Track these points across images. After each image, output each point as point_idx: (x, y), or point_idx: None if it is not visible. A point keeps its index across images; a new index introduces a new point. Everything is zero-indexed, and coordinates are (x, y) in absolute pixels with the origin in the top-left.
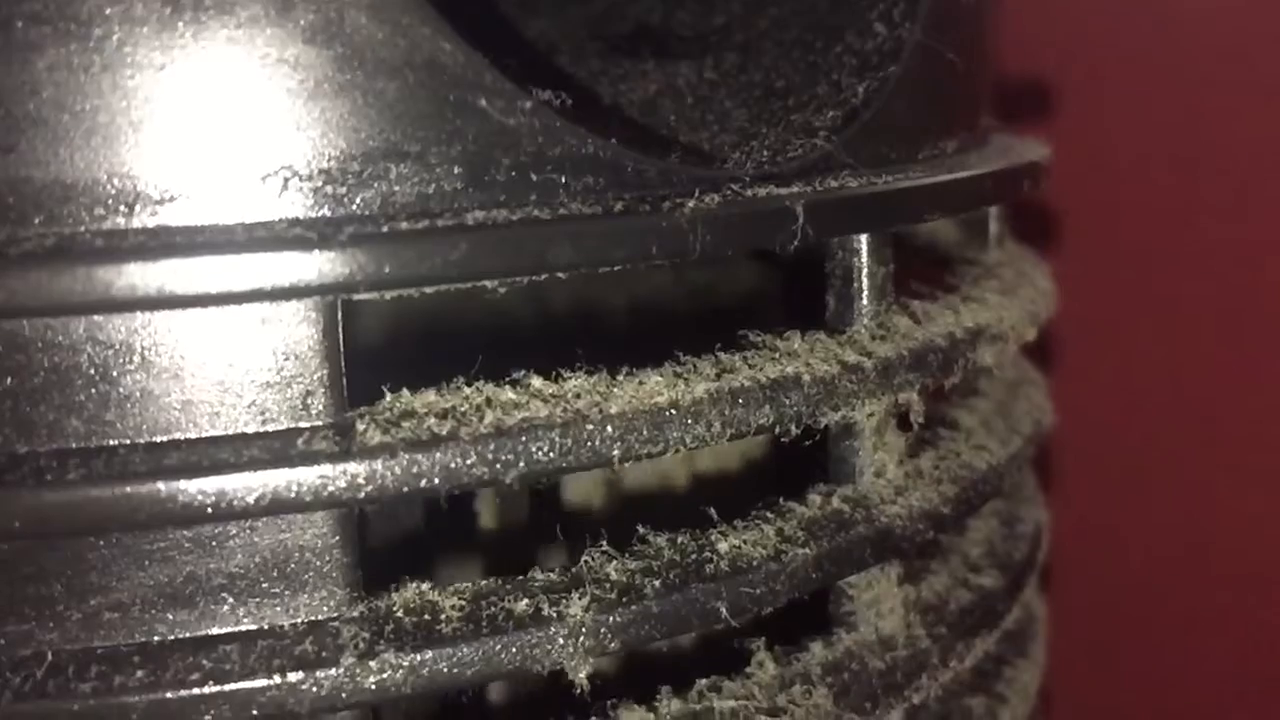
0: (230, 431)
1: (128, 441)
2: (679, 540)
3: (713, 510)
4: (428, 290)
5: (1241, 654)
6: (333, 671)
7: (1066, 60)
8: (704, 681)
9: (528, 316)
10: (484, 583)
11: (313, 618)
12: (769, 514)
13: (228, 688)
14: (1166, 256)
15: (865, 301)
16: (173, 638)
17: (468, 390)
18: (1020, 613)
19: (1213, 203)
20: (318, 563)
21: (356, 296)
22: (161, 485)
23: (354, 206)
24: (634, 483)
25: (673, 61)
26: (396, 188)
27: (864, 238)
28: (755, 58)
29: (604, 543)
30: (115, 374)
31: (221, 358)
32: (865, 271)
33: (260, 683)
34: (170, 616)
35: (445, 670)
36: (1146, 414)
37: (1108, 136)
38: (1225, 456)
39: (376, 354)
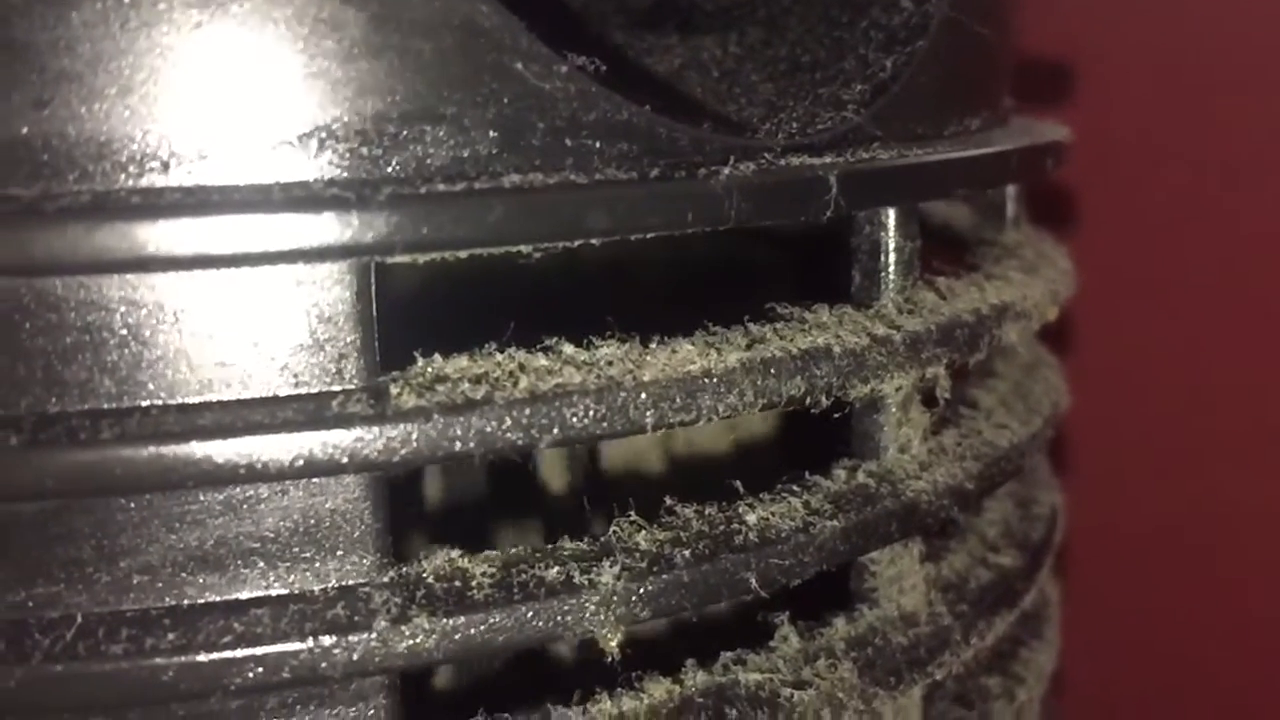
0: (263, 394)
1: (160, 402)
2: (706, 511)
3: (738, 483)
4: (461, 254)
5: (1253, 639)
6: (365, 635)
7: (1079, 43)
8: (728, 654)
9: (535, 281)
10: (513, 550)
11: (343, 582)
12: (794, 487)
13: (259, 651)
14: (1180, 242)
15: (892, 275)
16: (203, 601)
17: (499, 356)
18: (1036, 595)
19: (1219, 192)
20: (348, 528)
21: (391, 259)
22: (196, 446)
23: (389, 169)
24: (609, 462)
25: (696, 36)
26: (431, 150)
27: (892, 211)
28: (780, 33)
29: (631, 512)
30: (148, 334)
31: (255, 319)
32: (893, 245)
33: (293, 646)
34: (200, 580)
35: (477, 636)
36: (1160, 400)
37: (1121, 121)
38: (1237, 441)
39: (399, 318)
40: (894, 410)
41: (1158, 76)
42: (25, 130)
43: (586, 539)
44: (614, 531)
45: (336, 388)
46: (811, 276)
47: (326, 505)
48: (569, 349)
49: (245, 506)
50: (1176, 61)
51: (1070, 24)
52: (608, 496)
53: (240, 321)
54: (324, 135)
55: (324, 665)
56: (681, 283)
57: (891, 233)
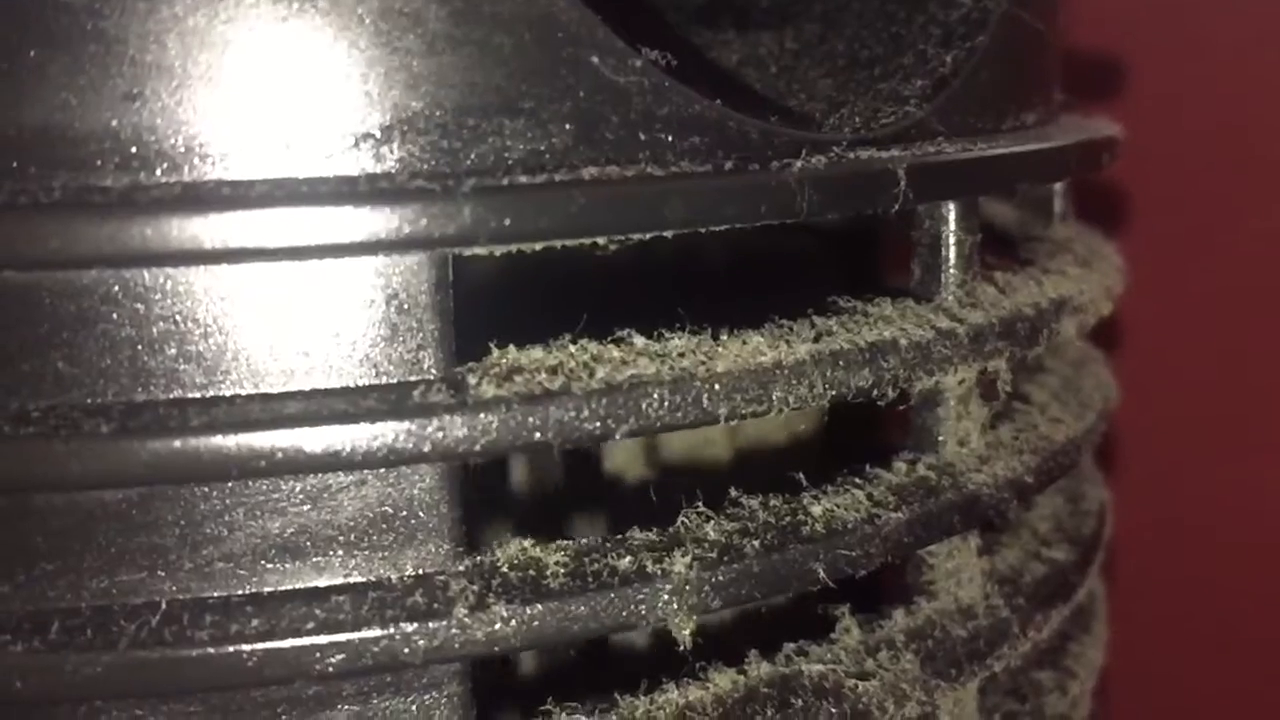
0: (344, 384)
1: (245, 391)
2: (771, 503)
3: (801, 475)
4: (536, 247)
5: None
6: (445, 623)
7: (1122, 41)
8: (791, 646)
9: (574, 274)
10: (584, 540)
11: (420, 571)
12: (857, 479)
13: (341, 637)
14: (1223, 242)
15: (953, 269)
16: (284, 588)
17: (573, 348)
18: (1086, 589)
19: (1259, 191)
20: (425, 516)
21: (470, 250)
22: (282, 435)
23: (469, 161)
24: (671, 454)
25: (753, 32)
26: (509, 143)
27: (952, 205)
28: (837, 28)
29: (699, 504)
30: (233, 324)
31: (337, 310)
32: (953, 239)
33: (374, 632)
34: (282, 567)
35: (554, 624)
36: (1205, 401)
37: (1162, 117)
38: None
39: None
40: (954, 404)
41: (1197, 74)
42: (115, 122)
43: (655, 529)
44: (683, 522)
45: (415, 378)
46: (845, 269)
47: (404, 494)
48: (640, 340)
49: (325, 495)
50: (1219, 58)
51: (1114, 20)
52: (667, 487)
53: (322, 312)
54: (405, 127)
55: (405, 651)
56: (713, 276)
57: (952, 226)
